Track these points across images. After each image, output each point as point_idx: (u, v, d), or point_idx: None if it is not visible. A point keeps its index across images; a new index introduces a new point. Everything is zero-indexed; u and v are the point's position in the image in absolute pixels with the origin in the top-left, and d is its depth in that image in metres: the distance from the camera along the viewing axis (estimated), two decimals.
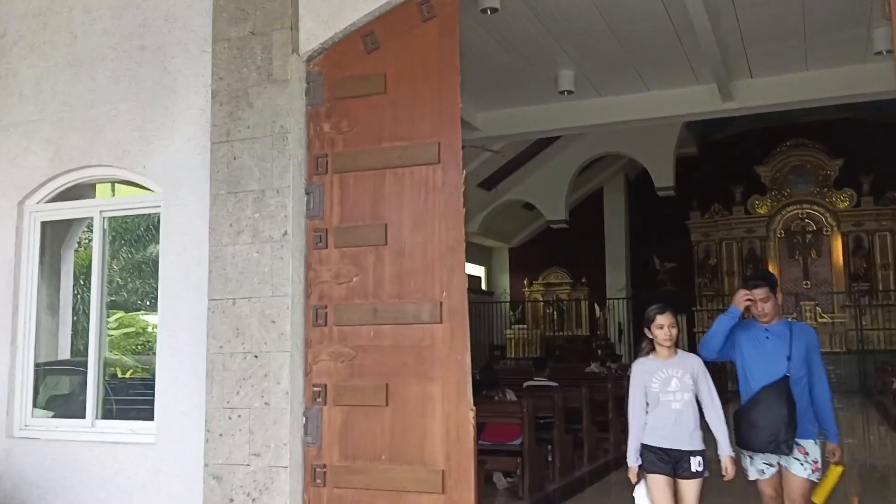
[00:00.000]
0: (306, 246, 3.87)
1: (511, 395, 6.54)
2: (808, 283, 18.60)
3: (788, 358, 3.53)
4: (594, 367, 12.20)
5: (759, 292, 3.66)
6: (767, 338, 3.64)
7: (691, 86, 7.74)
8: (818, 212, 18.88)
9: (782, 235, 19.22)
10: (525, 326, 20.53)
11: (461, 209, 3.54)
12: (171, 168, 4.32)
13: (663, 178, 17.33)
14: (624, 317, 19.95)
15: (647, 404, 3.52)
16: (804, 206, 19.00)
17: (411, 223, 3.65)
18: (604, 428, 8.22)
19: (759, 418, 3.50)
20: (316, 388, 3.76)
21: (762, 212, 19.32)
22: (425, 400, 3.51)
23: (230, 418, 3.86)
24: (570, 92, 7.57)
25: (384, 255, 3.69)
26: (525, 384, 7.82)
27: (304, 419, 3.77)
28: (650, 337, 3.57)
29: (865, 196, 18.19)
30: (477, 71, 7.04)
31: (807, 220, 19.05)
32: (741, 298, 3.65)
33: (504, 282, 21.47)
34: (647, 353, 3.60)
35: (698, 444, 3.47)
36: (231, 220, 3.98)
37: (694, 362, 3.55)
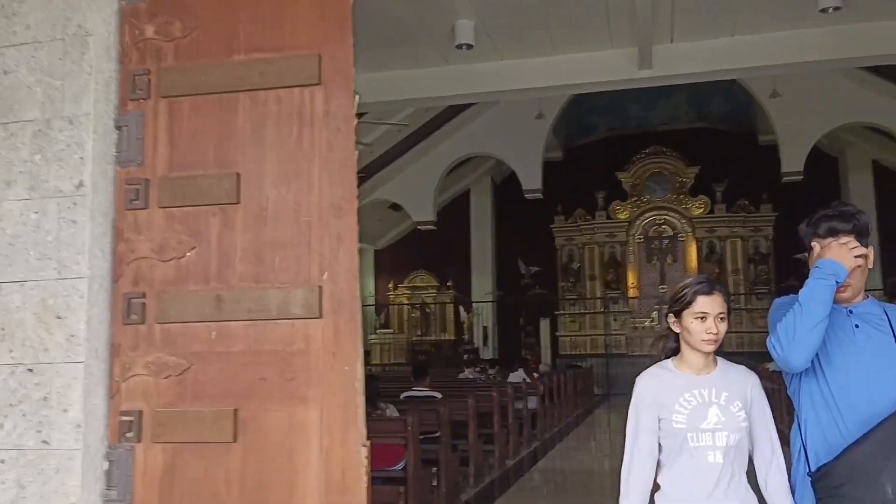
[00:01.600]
0: (115, 204, 2.62)
1: (393, 411, 5.48)
2: (665, 287, 19.20)
3: None
4: (468, 373, 11.48)
5: (848, 240, 2.02)
6: (857, 326, 2.08)
7: (605, 49, 7.00)
8: (675, 218, 19.65)
9: (641, 240, 19.87)
10: (390, 331, 19.76)
11: (353, 152, 2.45)
12: None
13: (531, 180, 17.34)
14: (490, 321, 19.76)
15: (660, 449, 2.10)
16: (662, 212, 19.74)
17: (277, 172, 2.51)
18: (488, 440, 7.49)
19: (889, 484, 1.88)
20: (126, 418, 2.51)
21: (623, 217, 19.88)
22: (294, 432, 2.37)
23: None
24: (469, 46, 6.54)
25: (234, 219, 2.52)
26: (403, 395, 6.80)
27: (106, 464, 2.52)
28: (675, 332, 2.14)
29: (718, 203, 19.13)
30: (356, 17, 5.91)
31: (664, 226, 19.79)
32: (848, 250, 1.98)
33: (369, 285, 20.52)
34: (668, 357, 2.17)
35: None
36: None
37: (748, 379, 2.12)
